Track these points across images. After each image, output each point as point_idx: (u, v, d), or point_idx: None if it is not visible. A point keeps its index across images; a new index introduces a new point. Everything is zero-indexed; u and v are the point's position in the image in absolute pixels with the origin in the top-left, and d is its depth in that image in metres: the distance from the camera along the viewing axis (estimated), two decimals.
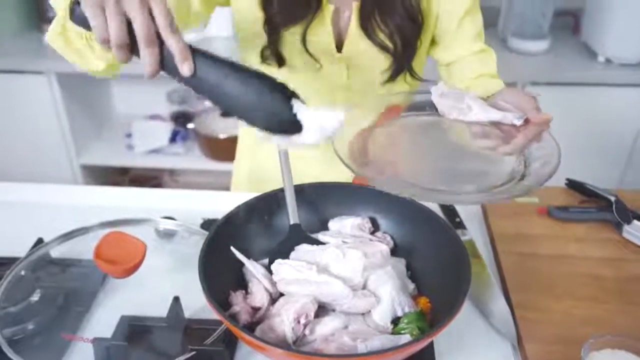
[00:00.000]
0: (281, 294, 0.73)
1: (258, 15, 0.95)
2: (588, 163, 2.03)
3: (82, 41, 0.74)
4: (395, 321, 0.71)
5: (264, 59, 1.00)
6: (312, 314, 0.68)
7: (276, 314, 0.69)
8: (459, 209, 1.02)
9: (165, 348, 0.76)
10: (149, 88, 2.42)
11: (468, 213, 1.03)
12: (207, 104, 2.36)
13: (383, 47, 0.97)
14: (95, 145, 2.31)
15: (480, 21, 1.03)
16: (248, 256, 0.77)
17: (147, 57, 0.60)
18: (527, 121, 0.82)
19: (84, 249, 0.89)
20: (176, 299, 0.79)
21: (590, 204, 1.03)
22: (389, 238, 0.82)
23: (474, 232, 0.98)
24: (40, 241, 0.92)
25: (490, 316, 0.81)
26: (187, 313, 0.80)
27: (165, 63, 0.62)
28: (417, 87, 1.06)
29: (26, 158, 2.21)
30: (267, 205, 0.83)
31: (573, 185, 1.08)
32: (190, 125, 2.30)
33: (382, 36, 0.96)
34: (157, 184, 2.50)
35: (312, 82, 1.02)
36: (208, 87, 0.62)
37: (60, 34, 0.74)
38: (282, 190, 0.82)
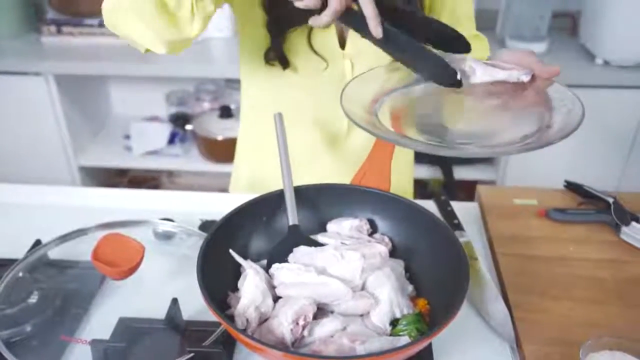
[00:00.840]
0: (279, 296, 0.73)
1: (261, 16, 0.95)
2: (586, 165, 2.04)
3: (183, 11, 0.75)
4: (394, 323, 0.71)
5: (267, 60, 0.99)
6: (310, 316, 0.68)
7: (275, 315, 0.69)
8: (457, 210, 1.02)
9: (163, 350, 0.76)
10: (147, 89, 2.42)
11: (466, 215, 1.03)
12: (206, 105, 2.36)
13: None
14: (93, 147, 2.31)
15: (471, 8, 1.04)
16: (246, 257, 0.77)
17: (330, 12, 0.69)
18: (533, 77, 0.83)
19: (82, 250, 0.89)
20: (174, 301, 0.79)
21: (589, 205, 1.03)
22: (387, 239, 0.82)
23: (472, 234, 0.98)
24: (38, 243, 0.92)
25: (488, 318, 0.81)
26: (186, 315, 0.80)
27: (354, 23, 0.73)
28: None
29: (24, 159, 2.21)
30: (266, 206, 0.83)
31: (571, 187, 1.08)
32: (188, 127, 2.30)
33: None
34: (156, 186, 2.50)
35: (316, 82, 1.02)
36: (390, 50, 0.75)
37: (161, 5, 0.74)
38: (280, 191, 0.82)
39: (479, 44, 1.05)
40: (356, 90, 0.81)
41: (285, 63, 0.98)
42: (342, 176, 0.96)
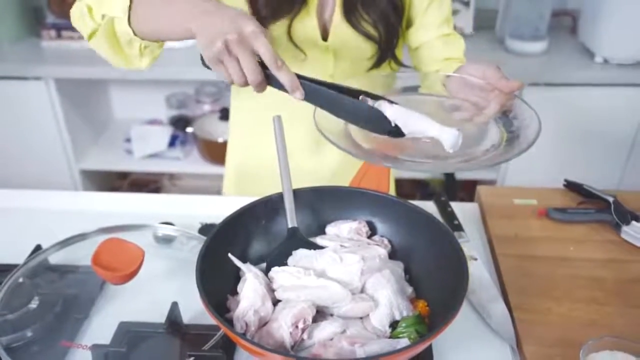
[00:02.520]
0: (278, 299, 0.73)
1: (243, 10, 0.94)
2: (586, 163, 2.04)
3: (133, 50, 0.83)
4: (394, 325, 0.71)
5: None
6: (310, 319, 0.68)
7: (274, 319, 0.69)
8: (457, 210, 1.02)
9: (163, 354, 0.76)
10: (147, 93, 2.42)
11: (466, 215, 1.03)
12: (206, 107, 2.36)
13: (368, 36, 0.98)
14: (94, 150, 2.32)
15: (448, 7, 1.06)
16: (245, 261, 0.77)
17: (257, 89, 0.74)
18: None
19: (82, 255, 0.89)
20: (174, 305, 0.79)
21: (589, 205, 1.03)
22: (386, 241, 0.82)
23: (472, 235, 0.98)
24: (38, 248, 0.92)
25: (489, 318, 0.81)
26: (186, 318, 0.80)
27: (278, 86, 0.74)
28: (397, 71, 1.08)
29: (25, 164, 2.21)
30: (265, 209, 0.83)
31: (571, 186, 1.08)
32: (189, 129, 2.30)
33: (366, 25, 0.97)
34: (157, 188, 2.50)
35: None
36: (318, 104, 0.76)
37: (108, 39, 0.83)
38: (279, 194, 0.82)
39: (454, 42, 1.06)
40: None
41: None
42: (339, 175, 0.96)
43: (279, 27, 0.96)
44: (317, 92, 0.73)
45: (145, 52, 0.85)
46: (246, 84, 0.73)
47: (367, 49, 1.00)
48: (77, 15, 0.87)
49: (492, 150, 0.78)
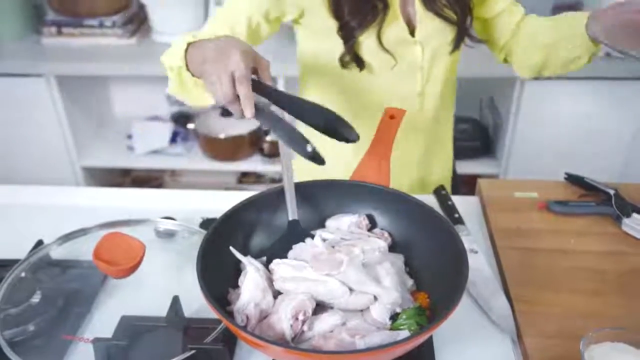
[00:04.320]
0: (279, 292, 0.73)
1: (330, 25, 0.98)
2: (588, 156, 2.03)
3: (197, 88, 0.89)
4: (394, 317, 0.71)
5: (344, 65, 1.02)
6: (310, 311, 0.68)
7: (274, 311, 0.69)
8: (458, 204, 1.02)
9: (165, 347, 0.77)
10: (148, 89, 2.42)
11: (467, 208, 1.03)
12: None
13: (449, 20, 1.01)
14: (95, 147, 2.32)
15: None
16: (246, 254, 0.77)
17: (236, 112, 0.77)
18: None
19: (83, 250, 0.89)
20: (176, 299, 0.79)
21: (590, 197, 1.03)
22: (387, 234, 0.82)
23: (473, 227, 0.98)
24: (40, 243, 0.92)
25: (489, 311, 0.81)
26: (187, 312, 0.80)
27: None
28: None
29: (27, 162, 2.21)
30: (265, 203, 0.83)
31: (572, 179, 1.08)
32: (190, 126, 2.30)
33: (446, 10, 1.00)
34: (159, 185, 2.50)
35: (391, 76, 1.04)
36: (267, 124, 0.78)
37: (179, 85, 0.92)
38: (280, 188, 0.82)
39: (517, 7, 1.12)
40: None
41: (361, 65, 1.01)
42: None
43: (369, 35, 0.98)
44: (261, 110, 0.76)
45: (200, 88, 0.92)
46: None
47: (448, 33, 1.03)
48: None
49: None
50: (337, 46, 1.00)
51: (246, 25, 0.99)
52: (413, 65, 1.04)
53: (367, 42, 0.99)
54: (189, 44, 0.86)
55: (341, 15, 0.97)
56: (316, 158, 0.71)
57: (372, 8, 0.96)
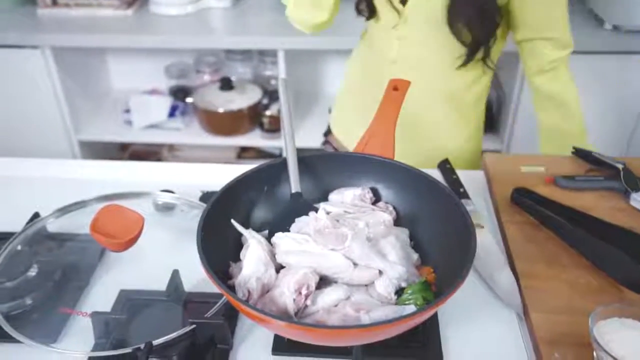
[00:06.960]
0: (281, 266, 0.72)
1: None
2: (596, 131, 2.00)
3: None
4: (399, 292, 0.70)
5: (359, 11, 1.17)
6: (313, 285, 0.67)
7: (277, 285, 0.67)
8: (463, 178, 1.00)
9: (164, 321, 0.75)
10: (146, 62, 2.38)
11: (472, 183, 1.01)
12: (206, 77, 2.32)
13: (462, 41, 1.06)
14: (93, 121, 2.29)
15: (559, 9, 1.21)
16: (247, 227, 0.75)
17: None
18: None
19: (81, 223, 0.88)
20: (175, 272, 0.78)
21: (598, 172, 1.01)
22: (391, 208, 0.81)
23: (478, 202, 0.97)
24: (36, 215, 0.91)
25: (495, 286, 0.80)
26: (187, 286, 0.79)
27: None
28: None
29: (23, 134, 2.18)
30: (267, 176, 0.81)
31: (580, 153, 1.06)
32: (189, 100, 2.27)
33: (464, 32, 1.05)
34: (157, 159, 2.48)
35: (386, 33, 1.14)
36: None
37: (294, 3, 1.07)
38: (282, 160, 0.80)
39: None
40: None
41: (372, 13, 1.14)
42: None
43: None
44: None
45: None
46: None
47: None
48: None
49: None
50: None
51: None
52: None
53: None
54: None
55: None
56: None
57: None
